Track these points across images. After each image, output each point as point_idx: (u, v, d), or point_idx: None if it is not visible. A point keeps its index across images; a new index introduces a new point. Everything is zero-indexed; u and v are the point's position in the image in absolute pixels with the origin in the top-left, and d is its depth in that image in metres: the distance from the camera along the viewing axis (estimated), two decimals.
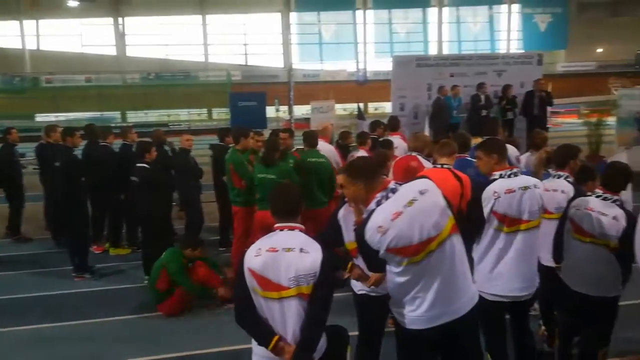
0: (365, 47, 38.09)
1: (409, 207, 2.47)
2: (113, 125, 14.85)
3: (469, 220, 3.10)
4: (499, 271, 3.09)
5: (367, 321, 3.27)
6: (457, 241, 2.59)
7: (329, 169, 5.70)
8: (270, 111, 22.33)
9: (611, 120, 11.76)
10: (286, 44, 36.85)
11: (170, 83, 33.47)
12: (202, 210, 6.97)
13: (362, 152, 6.03)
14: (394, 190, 2.57)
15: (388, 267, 2.56)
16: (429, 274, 2.48)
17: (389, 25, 37.37)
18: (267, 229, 2.73)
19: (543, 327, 4.09)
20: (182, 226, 7.09)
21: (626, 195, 3.43)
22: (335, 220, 3.19)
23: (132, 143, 7.06)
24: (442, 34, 38.10)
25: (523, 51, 32.13)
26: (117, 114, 32.79)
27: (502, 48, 37.92)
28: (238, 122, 11.03)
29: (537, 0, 36.93)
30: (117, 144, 7.36)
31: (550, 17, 37.28)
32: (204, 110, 34.14)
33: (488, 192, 3.05)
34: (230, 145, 6.33)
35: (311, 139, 5.89)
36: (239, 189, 5.72)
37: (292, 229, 2.57)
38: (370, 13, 37.61)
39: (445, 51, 36.47)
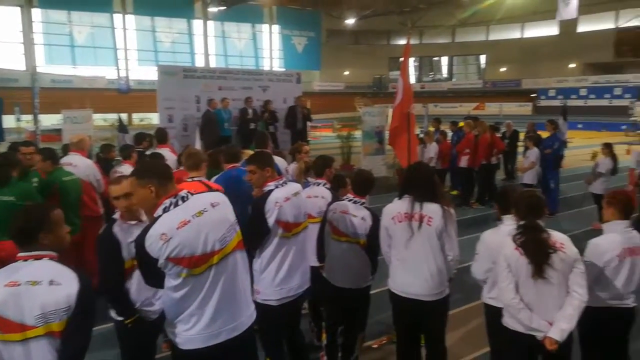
0: (127, 53, 35.62)
1: (198, 217, 2.38)
2: None
3: (254, 233, 3.14)
4: (282, 275, 3.22)
5: (133, 348, 3.00)
6: (241, 258, 2.59)
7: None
8: (9, 121, 18.99)
9: (358, 133, 13.64)
10: (28, 43, 31.73)
11: None
12: None
13: (126, 167, 5.58)
14: (184, 199, 2.42)
15: (166, 282, 2.38)
16: (207, 290, 2.40)
17: (152, 33, 35.82)
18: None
19: (312, 324, 4.43)
20: None
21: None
22: (112, 237, 2.86)
23: None
24: (208, 46, 38.43)
25: (284, 69, 34.92)
26: None
27: (265, 65, 40.43)
28: None
29: (294, 24, 40.60)
30: None
31: (306, 40, 41.49)
32: None
33: (270, 203, 3.15)
34: None
35: (55, 155, 5.27)
36: None
37: (38, 257, 2.19)
38: (130, 18, 35.38)
39: (212, 64, 36.86)
